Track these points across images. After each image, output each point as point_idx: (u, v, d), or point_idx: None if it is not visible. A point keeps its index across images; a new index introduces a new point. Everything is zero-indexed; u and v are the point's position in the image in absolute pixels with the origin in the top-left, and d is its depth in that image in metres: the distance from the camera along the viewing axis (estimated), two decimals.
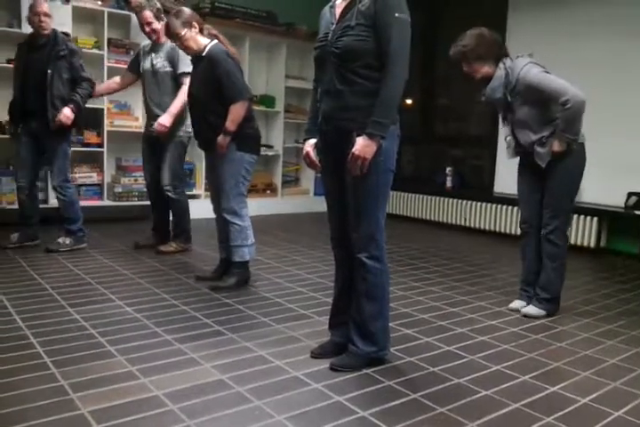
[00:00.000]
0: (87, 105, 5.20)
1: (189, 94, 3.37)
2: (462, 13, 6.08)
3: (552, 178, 2.98)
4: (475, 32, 2.95)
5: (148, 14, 3.94)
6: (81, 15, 5.07)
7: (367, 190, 2.15)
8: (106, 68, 5.12)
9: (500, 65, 2.95)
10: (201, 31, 3.26)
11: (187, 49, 3.26)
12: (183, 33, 3.18)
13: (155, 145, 4.11)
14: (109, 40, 5.18)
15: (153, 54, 4.04)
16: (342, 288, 2.38)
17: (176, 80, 3.98)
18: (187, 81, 3.81)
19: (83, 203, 5.12)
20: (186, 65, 3.85)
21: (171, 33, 3.22)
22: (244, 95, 3.19)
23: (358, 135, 2.07)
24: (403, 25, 2.04)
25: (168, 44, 3.94)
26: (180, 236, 4.23)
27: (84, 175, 5.20)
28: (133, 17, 5.03)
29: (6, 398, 1.92)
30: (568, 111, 2.78)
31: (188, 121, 3.93)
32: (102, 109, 5.17)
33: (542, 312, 3.03)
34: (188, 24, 3.19)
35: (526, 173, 3.11)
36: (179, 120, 3.99)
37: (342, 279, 2.38)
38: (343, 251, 2.32)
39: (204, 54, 3.21)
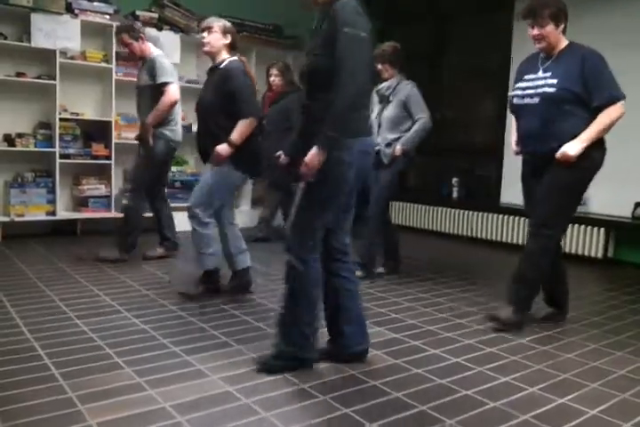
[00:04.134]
0: (95, 117, 5.31)
1: (197, 104, 3.37)
2: (468, 25, 6.12)
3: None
4: None
5: (125, 36, 4.07)
6: (89, 29, 5.13)
7: (308, 196, 2.27)
8: (114, 82, 5.17)
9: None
10: (234, 46, 3.31)
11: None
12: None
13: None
14: (117, 54, 5.23)
15: (141, 70, 4.19)
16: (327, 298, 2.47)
17: (155, 92, 3.99)
18: (168, 89, 3.94)
19: (91, 215, 5.19)
20: (165, 75, 3.96)
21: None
22: (255, 113, 3.20)
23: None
24: (349, 40, 2.10)
25: (149, 57, 4.08)
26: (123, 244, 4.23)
27: (92, 187, 5.23)
28: (142, 31, 5.09)
29: (15, 410, 1.93)
30: None
31: (173, 127, 4.12)
32: (110, 122, 5.22)
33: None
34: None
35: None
36: (162, 123, 4.06)
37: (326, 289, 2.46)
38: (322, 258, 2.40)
39: (221, 66, 3.24)
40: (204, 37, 3.24)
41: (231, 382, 2.20)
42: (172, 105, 4.01)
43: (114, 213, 5.30)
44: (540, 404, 2.13)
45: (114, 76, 5.19)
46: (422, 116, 3.88)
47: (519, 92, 2.95)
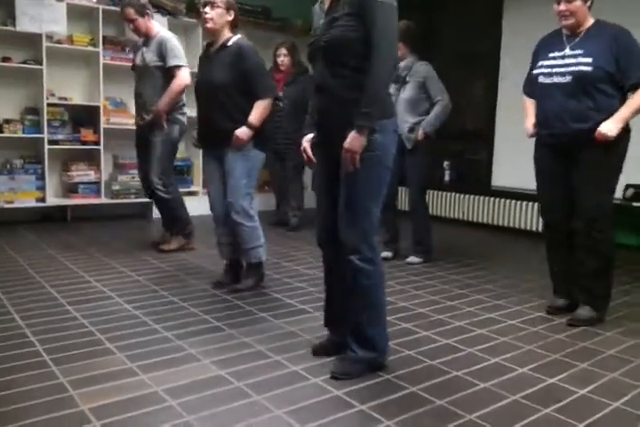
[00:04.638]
0: (83, 102, 5.26)
1: (201, 84, 3.15)
2: (458, 10, 6.07)
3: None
4: None
5: (130, 11, 3.86)
6: (76, 13, 5.07)
7: (359, 186, 2.07)
8: (102, 66, 5.11)
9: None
10: (235, 24, 3.17)
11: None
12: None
13: (146, 140, 4.01)
14: (105, 37, 5.17)
15: (144, 48, 3.97)
16: (334, 288, 2.31)
17: (166, 74, 3.88)
18: (180, 73, 3.83)
19: (81, 201, 5.16)
20: (177, 58, 3.84)
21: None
22: (272, 93, 3.14)
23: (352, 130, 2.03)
24: (387, 10, 1.98)
25: (157, 37, 3.91)
26: (177, 232, 4.19)
27: (81, 173, 5.19)
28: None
29: (6, 396, 1.93)
30: None
31: (184, 111, 4.01)
32: (98, 107, 5.17)
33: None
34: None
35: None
36: (173, 108, 3.94)
37: (332, 279, 2.32)
38: (332, 249, 2.24)
39: (229, 44, 3.07)
40: (206, 13, 3.03)
41: (223, 366, 2.21)
42: (184, 89, 3.90)
43: (104, 199, 5.29)
44: (530, 384, 2.15)
45: (101, 60, 5.13)
46: (442, 98, 3.82)
47: (545, 71, 2.81)
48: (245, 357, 2.31)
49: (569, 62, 2.74)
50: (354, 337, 2.19)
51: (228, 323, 2.70)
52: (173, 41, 3.91)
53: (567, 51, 2.77)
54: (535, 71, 2.89)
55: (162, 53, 3.86)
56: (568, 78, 2.72)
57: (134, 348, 2.37)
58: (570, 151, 2.79)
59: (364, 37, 1.98)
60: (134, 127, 4.18)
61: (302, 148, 2.30)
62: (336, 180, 2.14)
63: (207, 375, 2.13)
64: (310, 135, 2.29)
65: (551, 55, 2.82)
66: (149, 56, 3.92)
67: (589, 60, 2.67)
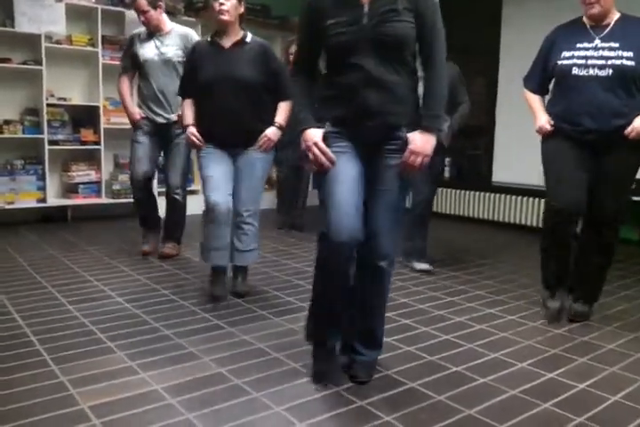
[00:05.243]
0: (83, 103, 5.26)
1: (221, 79, 2.90)
2: (458, 7, 6.05)
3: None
4: None
5: (143, 2, 3.64)
6: (74, 13, 5.06)
7: (400, 191, 2.01)
8: (101, 66, 5.11)
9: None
10: (243, 18, 3.02)
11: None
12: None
13: (162, 139, 3.81)
14: (104, 37, 5.17)
15: (157, 42, 3.73)
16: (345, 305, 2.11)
17: None
18: None
19: (81, 201, 5.17)
20: None
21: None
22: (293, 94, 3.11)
23: (409, 131, 1.94)
24: (438, 9, 1.94)
25: (178, 31, 3.75)
26: (179, 238, 4.04)
27: (81, 173, 5.20)
28: (127, 13, 5.03)
29: (7, 395, 1.93)
30: None
31: None
32: (98, 107, 5.17)
33: None
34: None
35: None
36: None
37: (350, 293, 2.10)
38: (353, 254, 2.02)
39: (248, 40, 2.97)
40: (222, 4, 2.87)
41: (222, 364, 2.22)
42: None
43: (104, 199, 5.29)
44: (529, 379, 2.15)
45: (100, 60, 5.12)
46: (466, 100, 3.74)
47: (579, 62, 2.62)
48: (245, 354, 2.32)
49: (607, 55, 2.58)
50: (364, 340, 2.14)
51: (228, 321, 2.70)
52: (197, 36, 3.79)
53: (597, 42, 2.61)
54: (564, 62, 2.67)
55: (187, 48, 3.58)
56: (609, 71, 2.56)
57: (134, 346, 2.37)
58: (595, 146, 2.64)
59: (417, 35, 1.92)
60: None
61: (312, 142, 1.96)
62: (360, 180, 1.99)
63: (207, 373, 2.14)
64: (319, 130, 1.99)
65: (580, 46, 2.64)
66: (172, 50, 3.71)
67: (630, 54, 2.54)
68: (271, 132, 2.97)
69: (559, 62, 2.69)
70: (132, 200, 5.29)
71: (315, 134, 1.97)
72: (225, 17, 2.88)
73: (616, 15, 2.66)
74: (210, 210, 2.89)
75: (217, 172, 2.94)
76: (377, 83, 1.90)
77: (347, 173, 1.96)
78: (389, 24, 1.86)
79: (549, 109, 2.79)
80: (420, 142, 1.92)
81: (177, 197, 3.86)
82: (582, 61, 2.62)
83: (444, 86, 1.96)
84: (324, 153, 1.95)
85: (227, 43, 2.96)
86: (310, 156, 1.98)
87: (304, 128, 2.00)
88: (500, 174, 5.64)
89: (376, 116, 1.92)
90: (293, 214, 5.08)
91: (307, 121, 2.01)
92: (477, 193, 5.63)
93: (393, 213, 2.02)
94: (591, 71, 2.60)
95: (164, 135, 3.81)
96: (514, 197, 5.29)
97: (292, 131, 4.40)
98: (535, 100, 2.87)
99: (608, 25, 2.63)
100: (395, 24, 1.87)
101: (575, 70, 2.63)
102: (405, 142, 1.94)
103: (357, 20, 1.88)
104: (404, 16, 1.87)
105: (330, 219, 1.93)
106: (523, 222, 5.24)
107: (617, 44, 2.58)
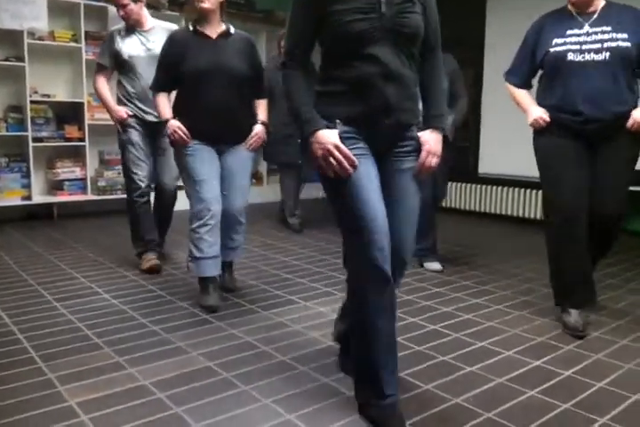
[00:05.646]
0: (67, 99, 5.22)
1: (213, 69, 2.76)
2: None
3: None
4: None
5: None
6: (57, 8, 5.00)
7: (418, 194, 1.88)
8: (84, 61, 5.07)
9: None
10: (224, 8, 2.87)
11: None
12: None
13: (155, 140, 3.52)
14: (87, 33, 5.13)
15: (142, 38, 3.52)
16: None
17: None
18: None
19: (67, 198, 5.14)
20: None
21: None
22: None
23: (418, 130, 1.85)
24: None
25: (161, 26, 3.56)
26: (162, 244, 3.80)
27: (66, 170, 5.16)
28: (110, 9, 4.98)
29: None
30: None
31: None
32: (82, 103, 5.13)
33: None
34: None
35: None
36: None
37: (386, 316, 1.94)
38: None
39: (232, 32, 2.86)
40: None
41: (211, 358, 2.22)
42: None
43: (90, 196, 5.26)
44: (516, 367, 2.17)
45: (84, 56, 5.08)
46: (463, 96, 3.66)
47: (573, 47, 2.51)
48: (233, 348, 2.32)
49: (601, 38, 2.48)
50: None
51: (216, 315, 2.70)
52: None
53: (588, 28, 2.52)
54: (558, 49, 2.55)
55: None
56: (605, 55, 2.46)
57: (122, 342, 2.37)
58: (593, 138, 2.53)
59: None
60: None
61: (333, 145, 1.71)
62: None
63: (195, 367, 2.14)
64: (333, 132, 1.74)
65: (571, 32, 2.54)
66: (159, 46, 3.30)
67: (625, 35, 2.45)
68: (261, 131, 2.92)
69: (551, 50, 2.56)
70: (117, 196, 5.30)
71: (330, 136, 1.73)
72: (205, 5, 2.75)
73: (602, 2, 2.58)
74: (204, 215, 2.73)
75: (210, 173, 2.78)
76: (395, 77, 1.73)
77: (372, 180, 1.76)
78: (408, 15, 1.73)
79: (541, 103, 2.64)
80: (433, 142, 1.83)
81: (174, 195, 3.62)
82: (577, 46, 2.51)
83: (443, 80, 1.93)
84: (346, 157, 1.72)
85: (212, 33, 2.83)
86: (331, 160, 1.71)
87: (314, 129, 1.74)
88: (486, 166, 5.66)
89: (393, 113, 1.76)
90: (292, 221, 4.85)
91: (315, 121, 1.75)
92: (464, 184, 5.66)
93: (414, 224, 1.87)
94: (587, 56, 2.49)
95: (155, 135, 3.49)
96: (499, 189, 5.34)
97: (285, 127, 4.34)
98: (522, 94, 2.75)
99: (594, 12, 2.54)
100: (411, 15, 1.74)
101: (570, 56, 2.52)
102: (419, 143, 1.84)
103: (374, 7, 1.71)
104: (417, 8, 1.76)
105: (369, 237, 1.69)
106: (509, 213, 5.29)
107: (609, 28, 2.48)
